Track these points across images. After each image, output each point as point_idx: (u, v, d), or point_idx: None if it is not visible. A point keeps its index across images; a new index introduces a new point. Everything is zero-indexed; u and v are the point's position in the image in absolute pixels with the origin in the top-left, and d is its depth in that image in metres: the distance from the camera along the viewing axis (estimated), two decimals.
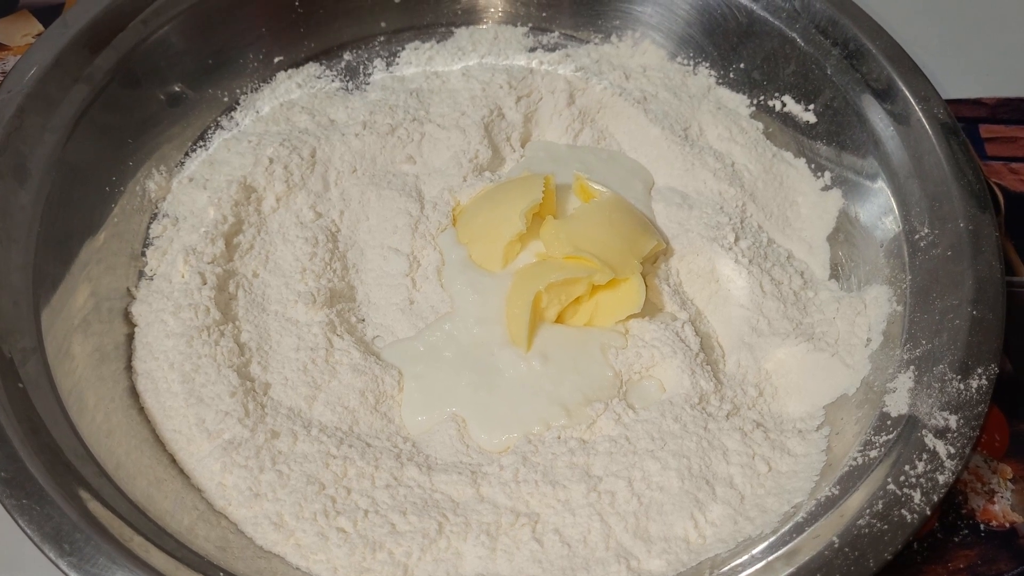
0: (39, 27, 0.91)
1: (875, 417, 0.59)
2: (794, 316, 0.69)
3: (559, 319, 0.68)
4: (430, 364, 0.66)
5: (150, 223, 0.74)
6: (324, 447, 0.61)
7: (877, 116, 0.73)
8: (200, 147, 0.79)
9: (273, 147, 0.75)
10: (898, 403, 0.59)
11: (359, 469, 0.60)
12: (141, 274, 0.71)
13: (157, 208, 0.75)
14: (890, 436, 0.57)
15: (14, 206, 0.64)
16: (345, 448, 0.61)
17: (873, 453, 0.57)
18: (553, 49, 0.86)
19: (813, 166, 0.77)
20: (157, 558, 0.52)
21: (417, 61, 0.86)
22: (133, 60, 0.74)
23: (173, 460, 0.62)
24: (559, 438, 0.62)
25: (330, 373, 0.65)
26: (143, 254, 0.72)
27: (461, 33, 0.87)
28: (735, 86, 0.82)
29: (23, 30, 0.90)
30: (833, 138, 0.76)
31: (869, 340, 0.66)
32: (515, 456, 0.61)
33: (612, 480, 0.60)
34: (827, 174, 0.76)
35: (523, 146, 0.81)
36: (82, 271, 0.68)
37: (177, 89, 0.78)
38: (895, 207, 0.70)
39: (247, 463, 0.60)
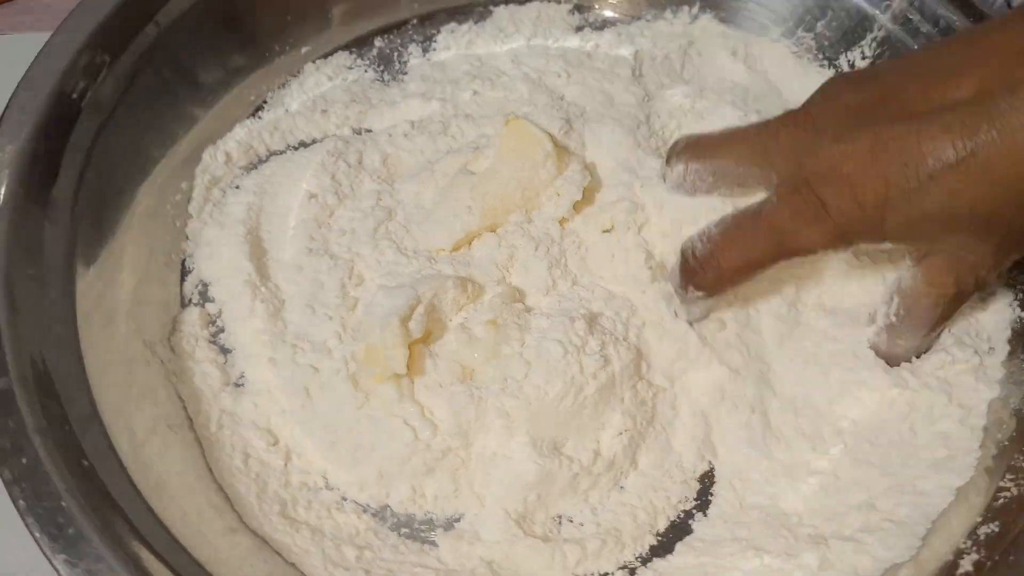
0: None
1: None
2: None
3: None
4: None
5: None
6: None
7: None
8: None
9: (320, 155, 0.68)
10: None
11: None
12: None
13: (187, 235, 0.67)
14: None
15: None
16: None
17: None
18: (602, 28, 0.79)
19: None
20: None
21: (456, 45, 0.78)
22: (154, 58, 0.66)
23: None
24: None
25: None
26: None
27: (500, 13, 0.80)
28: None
29: None
30: None
31: None
32: None
33: None
34: None
35: None
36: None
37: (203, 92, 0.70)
38: None
39: None
